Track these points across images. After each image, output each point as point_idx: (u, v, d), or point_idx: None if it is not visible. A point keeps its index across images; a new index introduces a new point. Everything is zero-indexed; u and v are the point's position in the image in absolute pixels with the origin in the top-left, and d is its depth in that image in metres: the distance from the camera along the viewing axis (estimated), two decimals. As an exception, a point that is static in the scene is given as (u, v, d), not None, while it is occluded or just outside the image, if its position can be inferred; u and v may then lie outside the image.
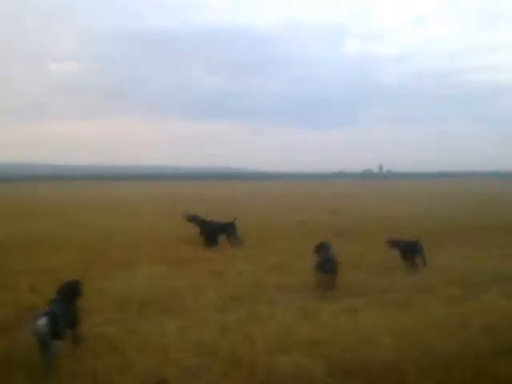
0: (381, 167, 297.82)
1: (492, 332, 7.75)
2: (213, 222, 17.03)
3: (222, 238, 16.56)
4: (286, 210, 30.19)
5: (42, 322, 6.37)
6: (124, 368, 6.57)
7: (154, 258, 13.52)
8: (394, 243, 13.36)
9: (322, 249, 11.57)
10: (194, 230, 17.10)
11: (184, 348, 7.23)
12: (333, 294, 10.16)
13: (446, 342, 7.36)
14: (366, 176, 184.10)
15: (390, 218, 24.60)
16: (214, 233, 16.57)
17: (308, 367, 6.58)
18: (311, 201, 40.06)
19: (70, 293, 7.49)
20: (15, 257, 13.71)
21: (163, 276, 11.58)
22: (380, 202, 37.98)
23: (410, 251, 12.94)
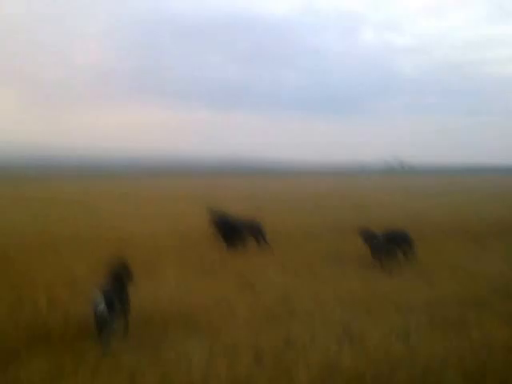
0: (396, 159, 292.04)
1: None
2: (236, 220, 15.33)
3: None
4: (309, 205, 28.82)
5: (100, 300, 6.72)
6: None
7: (179, 264, 12.25)
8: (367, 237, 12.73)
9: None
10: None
11: (214, 384, 6.01)
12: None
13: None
14: (387, 170, 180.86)
15: (418, 214, 23.28)
16: (236, 233, 14.83)
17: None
18: (333, 195, 38.63)
19: (122, 273, 7.68)
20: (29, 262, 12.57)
21: (189, 286, 10.33)
22: (403, 198, 36.32)
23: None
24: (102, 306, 6.72)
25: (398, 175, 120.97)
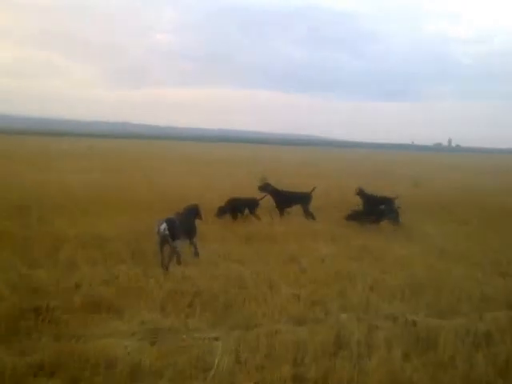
0: (450, 141, 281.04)
1: None
2: (287, 191, 13.70)
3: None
4: (363, 177, 26.26)
5: (163, 225, 7.73)
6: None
7: (214, 231, 10.50)
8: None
9: None
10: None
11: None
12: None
13: None
14: (438, 149, 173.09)
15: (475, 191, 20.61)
16: (285, 203, 13.37)
17: None
18: (387, 170, 35.81)
19: (192, 211, 8.99)
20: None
21: (224, 257, 8.65)
22: (462, 176, 33.06)
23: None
24: (163, 227, 7.70)
25: (447, 153, 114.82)
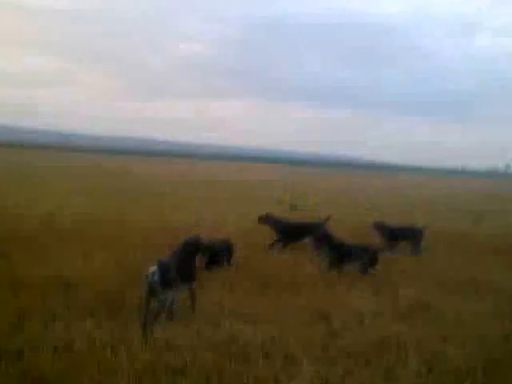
0: (508, 166, 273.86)
1: None
2: (292, 222, 12.73)
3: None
4: (409, 211, 24.55)
5: (152, 270, 6.45)
6: None
7: (222, 274, 9.14)
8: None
9: None
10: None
11: None
12: None
13: None
14: (492, 175, 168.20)
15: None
16: (294, 237, 12.25)
17: None
18: (436, 198, 33.94)
19: (190, 248, 7.47)
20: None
21: (229, 313, 7.20)
22: None
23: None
24: (152, 271, 6.47)
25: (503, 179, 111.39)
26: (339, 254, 9.98)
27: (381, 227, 12.83)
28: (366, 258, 9.85)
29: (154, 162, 75.45)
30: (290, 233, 12.23)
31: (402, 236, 12.79)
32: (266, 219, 12.50)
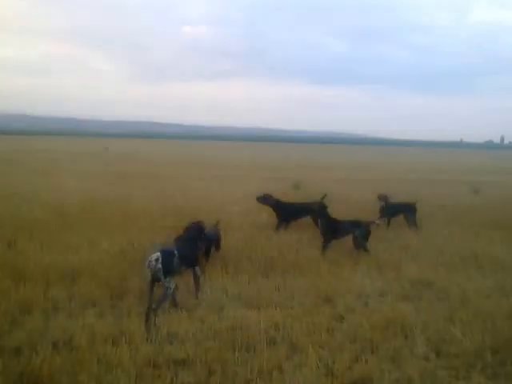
0: (502, 138, 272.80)
1: None
2: (290, 202, 12.23)
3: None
4: (415, 182, 24.11)
5: (155, 256, 6.09)
6: None
7: (226, 257, 8.76)
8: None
9: None
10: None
11: None
12: None
13: None
14: (489, 146, 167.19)
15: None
16: (294, 216, 11.86)
17: None
18: (439, 171, 33.44)
19: (195, 232, 7.28)
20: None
21: (233, 297, 6.91)
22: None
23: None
24: (155, 257, 6.08)
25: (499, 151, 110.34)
26: (332, 229, 9.67)
27: (384, 200, 12.51)
28: (358, 232, 9.53)
29: (164, 145, 74.97)
30: (288, 212, 11.83)
31: (400, 211, 12.57)
32: (263, 199, 12.03)
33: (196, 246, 7.30)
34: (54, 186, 17.18)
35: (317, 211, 10.47)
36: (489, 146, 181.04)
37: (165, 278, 6.14)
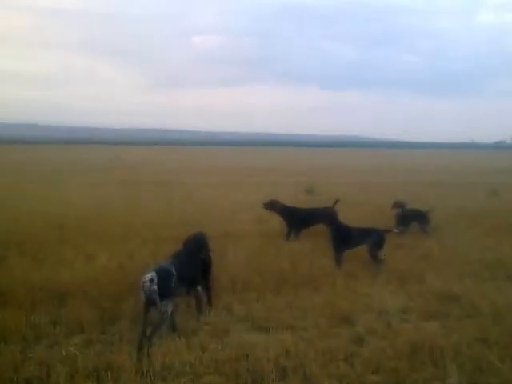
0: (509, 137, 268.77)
1: None
2: (301, 209, 11.27)
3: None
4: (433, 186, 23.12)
5: (150, 276, 5.31)
6: None
7: (232, 270, 7.91)
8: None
9: None
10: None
11: None
12: None
13: None
14: (499, 146, 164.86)
15: None
16: (303, 223, 10.97)
17: None
18: (453, 172, 32.35)
19: (196, 245, 6.43)
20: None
21: (239, 318, 6.15)
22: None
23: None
24: (149, 278, 5.32)
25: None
26: (343, 238, 8.80)
27: (401, 207, 11.69)
28: (370, 241, 8.63)
29: (176, 151, 74.34)
30: (296, 218, 10.95)
31: (413, 219, 11.70)
32: (270, 205, 11.22)
33: (198, 261, 6.41)
34: (55, 197, 16.49)
35: (327, 218, 9.57)
36: (500, 146, 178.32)
37: (161, 301, 5.37)
